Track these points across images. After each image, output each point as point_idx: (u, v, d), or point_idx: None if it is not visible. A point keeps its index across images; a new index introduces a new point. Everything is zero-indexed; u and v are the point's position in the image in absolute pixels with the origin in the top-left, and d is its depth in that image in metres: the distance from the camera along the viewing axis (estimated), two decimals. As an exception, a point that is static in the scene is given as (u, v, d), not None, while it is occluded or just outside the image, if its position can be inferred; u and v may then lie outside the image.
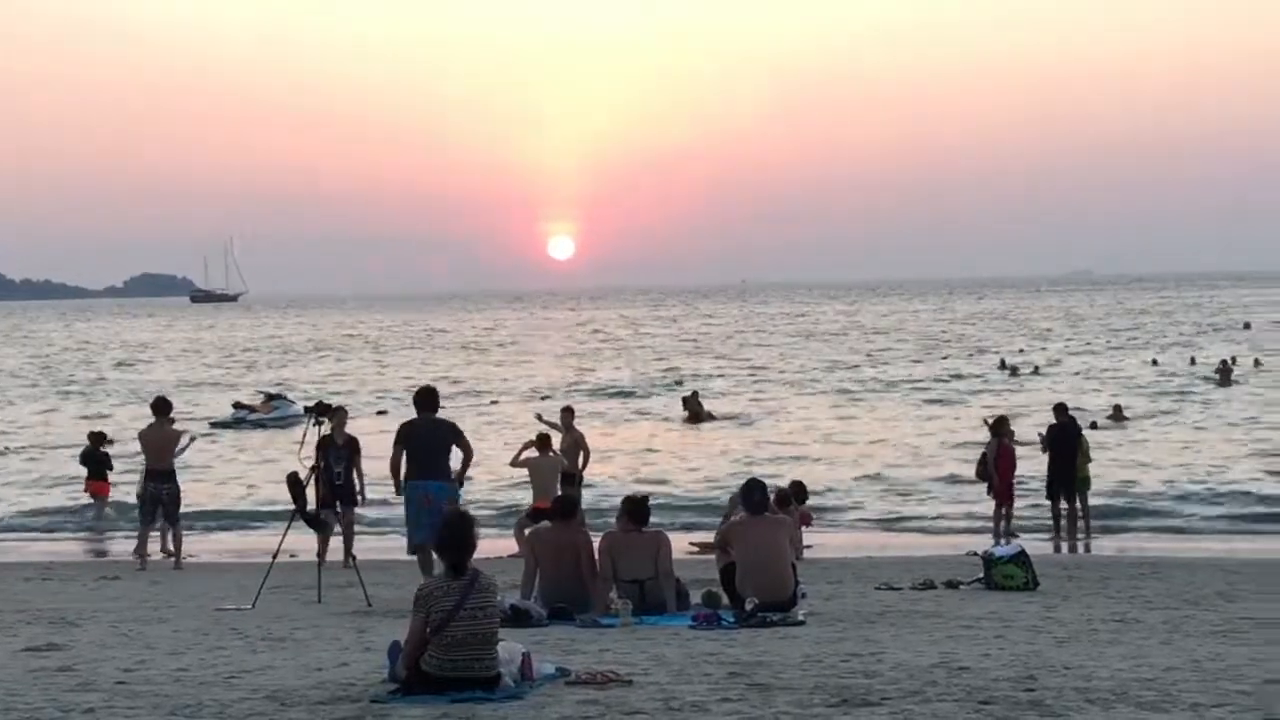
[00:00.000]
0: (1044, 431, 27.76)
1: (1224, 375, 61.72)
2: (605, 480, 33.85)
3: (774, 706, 10.35)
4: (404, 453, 18.45)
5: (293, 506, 19.73)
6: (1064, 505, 27.05)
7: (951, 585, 18.47)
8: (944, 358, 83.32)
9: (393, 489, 18.93)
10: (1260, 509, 30.62)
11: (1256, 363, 68.82)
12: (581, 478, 26.18)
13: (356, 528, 22.69)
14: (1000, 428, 27.60)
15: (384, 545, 25.06)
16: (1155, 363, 72.79)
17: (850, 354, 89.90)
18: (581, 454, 26.42)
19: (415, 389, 19.71)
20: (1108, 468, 34.24)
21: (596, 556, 15.96)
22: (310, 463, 19.14)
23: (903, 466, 38.04)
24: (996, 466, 26.79)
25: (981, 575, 18.54)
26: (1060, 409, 28.04)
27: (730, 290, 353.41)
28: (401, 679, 10.91)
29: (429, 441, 18.47)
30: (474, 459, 19.44)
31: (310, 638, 14.44)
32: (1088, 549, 26.10)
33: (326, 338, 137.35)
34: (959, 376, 68.48)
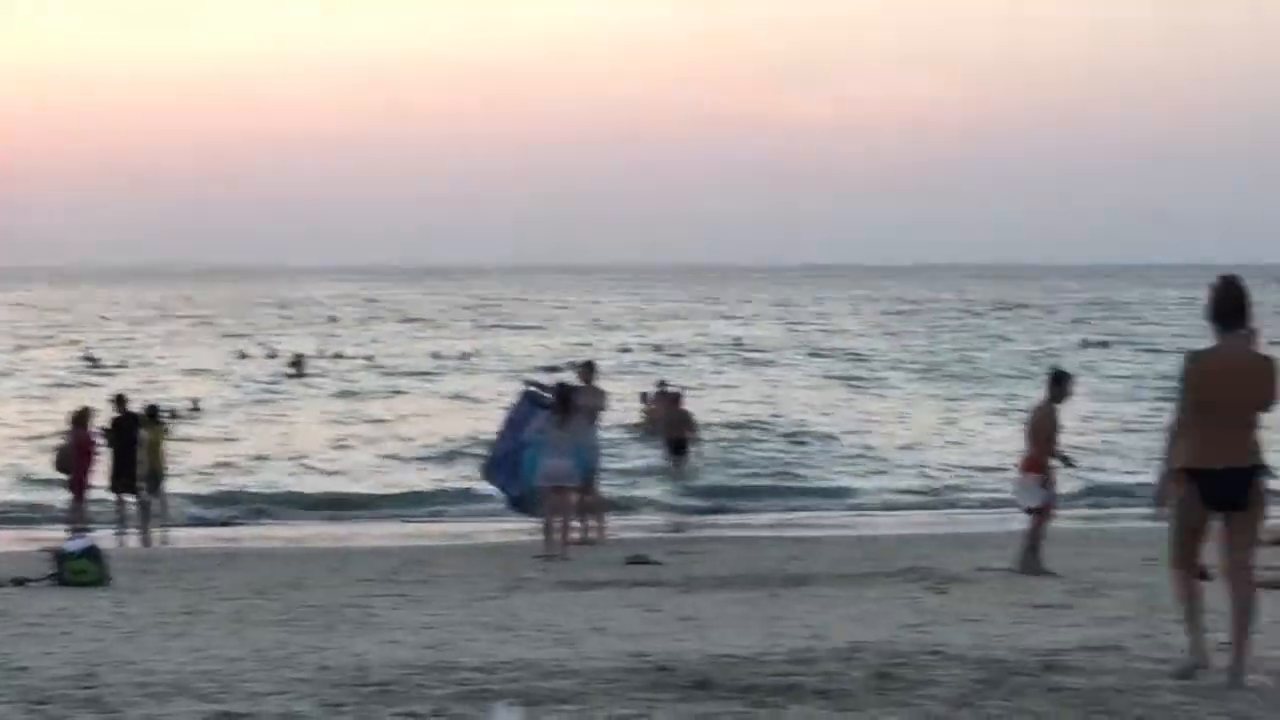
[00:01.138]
0: (106, 425, 27.44)
1: (298, 368, 63.34)
2: None
3: None
4: None
5: None
6: (133, 499, 26.89)
7: (19, 582, 17.98)
8: (20, 348, 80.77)
9: None
10: (338, 510, 31.03)
11: (338, 355, 71.38)
12: None
13: None
14: (81, 420, 27.22)
15: None
16: (244, 355, 73.62)
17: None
18: None
19: None
20: (188, 459, 34.33)
21: None
22: None
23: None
24: (75, 460, 26.42)
25: (54, 572, 18.18)
26: (119, 401, 27.92)
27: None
28: None
29: None
30: None
31: None
32: (164, 541, 26.08)
33: None
34: (50, 369, 66.56)
